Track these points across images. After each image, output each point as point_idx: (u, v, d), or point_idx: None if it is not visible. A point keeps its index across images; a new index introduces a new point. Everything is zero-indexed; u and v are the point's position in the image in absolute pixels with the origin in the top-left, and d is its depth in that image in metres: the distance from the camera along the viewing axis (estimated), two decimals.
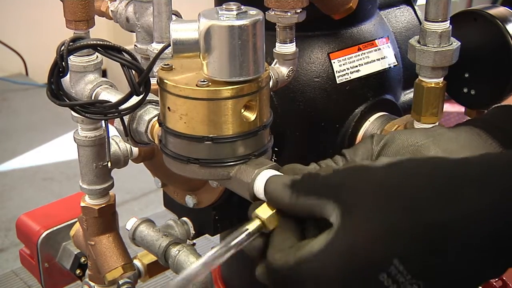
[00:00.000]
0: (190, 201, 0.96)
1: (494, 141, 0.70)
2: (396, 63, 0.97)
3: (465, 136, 0.71)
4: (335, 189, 0.58)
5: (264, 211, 0.63)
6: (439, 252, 0.53)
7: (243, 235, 0.62)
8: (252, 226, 0.63)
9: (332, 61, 0.91)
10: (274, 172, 0.66)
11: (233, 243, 0.61)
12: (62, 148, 2.70)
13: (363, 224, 0.55)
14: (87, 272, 0.97)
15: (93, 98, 0.81)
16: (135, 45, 0.91)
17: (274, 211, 0.63)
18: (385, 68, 0.96)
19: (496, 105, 0.75)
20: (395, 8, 1.02)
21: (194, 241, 1.00)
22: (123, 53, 0.69)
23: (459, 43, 0.85)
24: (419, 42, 0.85)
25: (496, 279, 1.09)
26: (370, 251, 0.54)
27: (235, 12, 0.64)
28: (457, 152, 0.69)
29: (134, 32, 0.92)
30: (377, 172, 0.58)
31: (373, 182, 0.57)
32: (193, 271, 0.60)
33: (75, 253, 1.06)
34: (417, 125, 0.87)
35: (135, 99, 0.71)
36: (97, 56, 0.82)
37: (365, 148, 0.71)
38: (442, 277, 0.54)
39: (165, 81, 0.67)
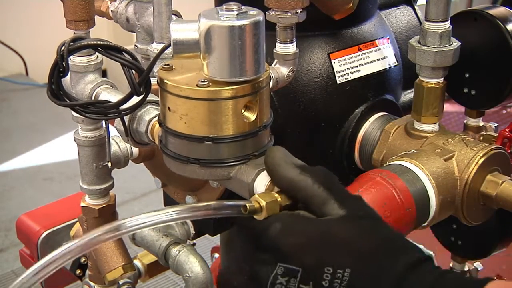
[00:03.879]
0: (190, 201, 0.96)
1: None
2: (396, 63, 0.97)
3: None
4: (352, 201, 0.64)
5: (264, 197, 0.64)
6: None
7: (234, 210, 0.64)
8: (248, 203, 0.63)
9: (333, 61, 0.91)
10: None
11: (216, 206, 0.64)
12: (62, 148, 2.70)
13: (354, 228, 0.61)
14: (87, 272, 0.97)
15: (93, 98, 0.80)
16: (135, 45, 0.91)
17: (274, 199, 0.63)
18: (385, 68, 0.95)
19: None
20: (395, 8, 1.02)
21: (194, 241, 1.00)
22: (124, 53, 0.69)
23: (459, 43, 0.85)
24: (419, 42, 0.85)
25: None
26: (347, 249, 0.59)
27: (235, 12, 0.64)
28: None
29: (134, 32, 0.92)
30: None
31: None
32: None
33: None
34: (418, 125, 0.87)
35: (135, 99, 0.71)
36: (97, 56, 0.82)
37: None
38: None
39: (166, 81, 0.67)
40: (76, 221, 0.98)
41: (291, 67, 0.80)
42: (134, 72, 0.69)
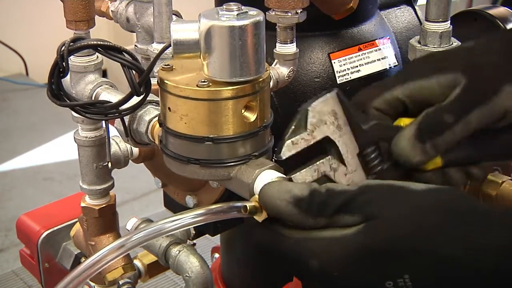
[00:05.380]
0: (190, 201, 0.96)
1: None
2: (397, 63, 0.97)
3: None
4: (367, 207, 0.59)
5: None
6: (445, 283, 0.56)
7: (234, 211, 0.63)
8: (248, 204, 0.63)
9: (333, 61, 0.91)
10: (275, 173, 0.66)
11: (217, 210, 0.64)
12: (62, 148, 2.70)
13: (389, 231, 0.57)
14: None
15: (93, 98, 0.81)
16: (135, 45, 0.91)
17: None
18: (386, 68, 0.95)
19: None
20: (395, 8, 1.02)
21: (195, 241, 1.00)
22: (124, 53, 0.69)
23: (460, 43, 0.85)
24: (419, 42, 0.85)
25: None
26: (389, 256, 0.57)
27: (235, 13, 0.64)
28: None
29: (134, 32, 0.92)
30: (412, 195, 0.60)
31: (406, 203, 0.59)
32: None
33: (75, 253, 1.06)
34: None
35: (135, 100, 0.71)
36: (97, 57, 0.82)
37: None
38: None
39: (166, 81, 0.67)
40: (76, 221, 0.98)
41: (291, 67, 0.80)
42: (134, 72, 0.69)
